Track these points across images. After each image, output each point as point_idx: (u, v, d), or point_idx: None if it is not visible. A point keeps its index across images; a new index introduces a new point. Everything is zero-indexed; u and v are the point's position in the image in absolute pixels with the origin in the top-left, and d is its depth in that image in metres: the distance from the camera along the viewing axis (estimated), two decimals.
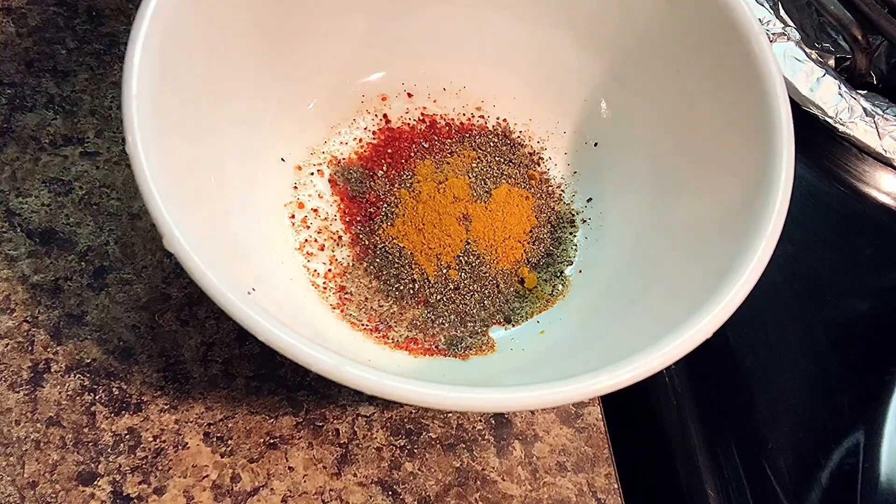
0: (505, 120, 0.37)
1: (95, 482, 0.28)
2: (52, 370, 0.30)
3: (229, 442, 0.30)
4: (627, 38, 0.34)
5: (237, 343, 0.31)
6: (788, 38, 0.42)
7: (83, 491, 0.28)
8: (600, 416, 0.33)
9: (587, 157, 0.36)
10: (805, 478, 0.33)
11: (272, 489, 0.29)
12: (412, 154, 0.35)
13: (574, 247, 0.34)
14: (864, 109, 0.41)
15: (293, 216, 0.33)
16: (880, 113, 0.41)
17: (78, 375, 0.30)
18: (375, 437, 0.31)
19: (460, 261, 0.32)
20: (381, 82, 0.36)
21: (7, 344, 0.30)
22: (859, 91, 0.42)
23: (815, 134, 0.41)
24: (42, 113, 0.35)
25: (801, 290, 0.38)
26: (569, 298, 0.33)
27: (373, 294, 0.32)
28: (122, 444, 0.29)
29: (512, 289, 0.33)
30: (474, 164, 0.35)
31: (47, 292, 0.31)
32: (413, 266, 0.32)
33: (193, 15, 0.27)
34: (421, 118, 0.36)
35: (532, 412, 0.32)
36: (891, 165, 0.41)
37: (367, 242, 0.33)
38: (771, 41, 0.37)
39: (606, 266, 0.33)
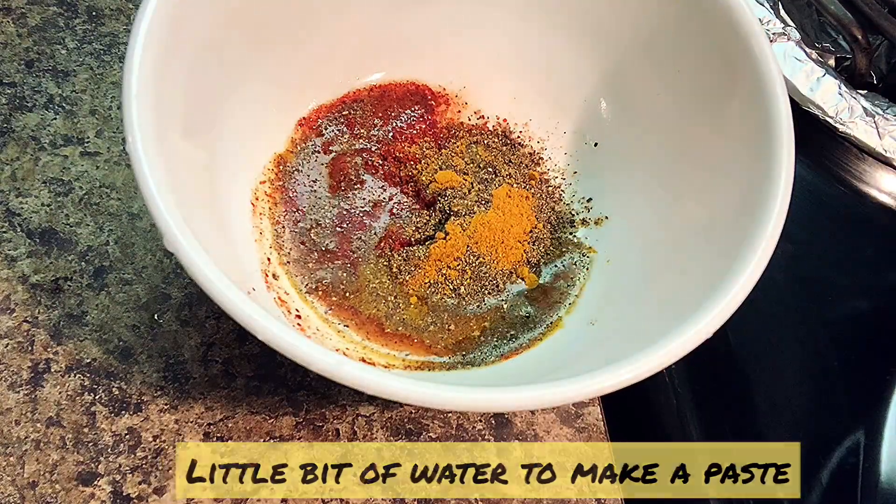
0: (505, 120, 0.37)
1: (95, 482, 0.28)
2: (52, 370, 0.30)
3: (229, 442, 0.29)
4: (627, 37, 0.34)
5: (237, 343, 0.31)
6: (788, 38, 0.42)
7: (83, 491, 0.28)
8: (600, 416, 0.33)
9: (587, 157, 0.36)
10: (805, 478, 0.33)
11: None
12: (412, 154, 0.35)
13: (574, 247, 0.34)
14: (864, 109, 0.41)
15: None
16: (880, 113, 0.41)
17: (78, 375, 0.30)
18: (375, 437, 0.31)
19: (460, 261, 0.32)
20: (381, 82, 0.36)
21: (7, 344, 0.30)
22: (859, 91, 0.42)
23: (815, 134, 0.41)
24: (42, 113, 0.35)
25: (801, 290, 0.38)
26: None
27: (374, 294, 0.32)
28: (122, 444, 0.29)
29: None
30: (474, 165, 0.35)
31: (47, 292, 0.31)
32: (415, 267, 0.32)
33: (194, 15, 0.27)
34: (421, 118, 0.36)
35: (532, 412, 0.32)
36: (891, 165, 0.41)
37: (367, 243, 0.33)
38: (771, 41, 0.37)
39: (606, 266, 0.33)
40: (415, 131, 0.36)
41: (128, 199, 0.33)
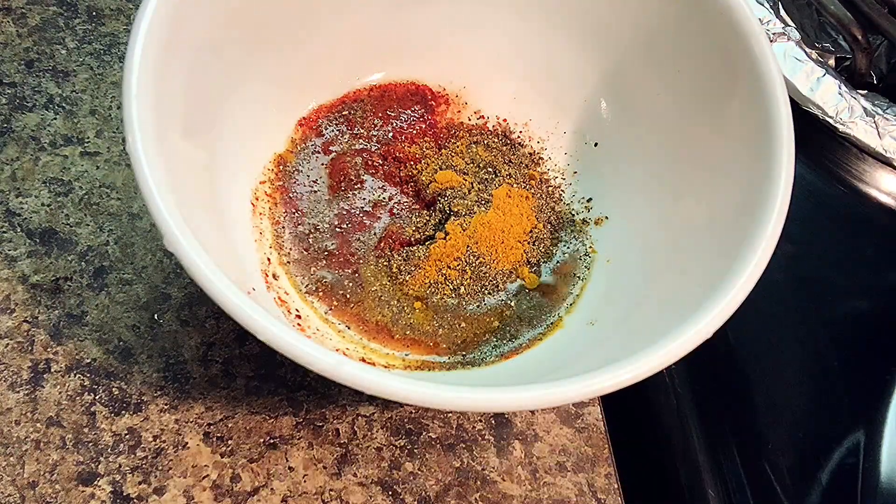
0: (505, 120, 0.37)
1: (95, 482, 0.28)
2: (52, 370, 0.30)
3: (229, 442, 0.30)
4: (627, 37, 0.34)
5: (237, 343, 0.31)
6: (788, 38, 0.42)
7: (83, 491, 0.28)
8: (600, 416, 0.33)
9: (587, 157, 0.36)
10: (805, 478, 0.33)
11: (272, 489, 0.29)
12: (412, 154, 0.35)
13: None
14: (864, 109, 0.41)
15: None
16: (880, 113, 0.41)
17: (78, 375, 0.30)
18: (375, 437, 0.31)
19: (460, 261, 0.32)
20: (381, 82, 0.36)
21: (7, 344, 0.30)
22: (859, 91, 0.42)
23: (815, 134, 0.41)
24: (42, 113, 0.35)
25: (801, 290, 0.38)
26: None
27: (377, 299, 0.32)
28: (122, 444, 0.29)
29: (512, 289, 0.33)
30: (474, 165, 0.35)
31: (47, 292, 0.31)
32: (415, 267, 0.32)
33: (194, 15, 0.27)
34: (421, 118, 0.36)
35: (532, 412, 0.32)
36: (891, 165, 0.41)
37: (367, 243, 0.33)
38: (771, 41, 0.37)
39: (606, 266, 0.33)
40: (415, 131, 0.36)
41: (128, 199, 0.33)
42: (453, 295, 0.32)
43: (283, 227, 0.32)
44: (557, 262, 0.34)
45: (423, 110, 0.36)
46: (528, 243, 0.33)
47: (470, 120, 0.37)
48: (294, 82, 0.34)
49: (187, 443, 0.29)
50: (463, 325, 0.32)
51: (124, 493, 0.28)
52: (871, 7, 0.41)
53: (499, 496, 0.30)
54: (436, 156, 0.35)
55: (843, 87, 0.41)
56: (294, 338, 0.22)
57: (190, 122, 0.27)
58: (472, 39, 0.36)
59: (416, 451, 0.31)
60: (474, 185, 0.34)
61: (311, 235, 0.32)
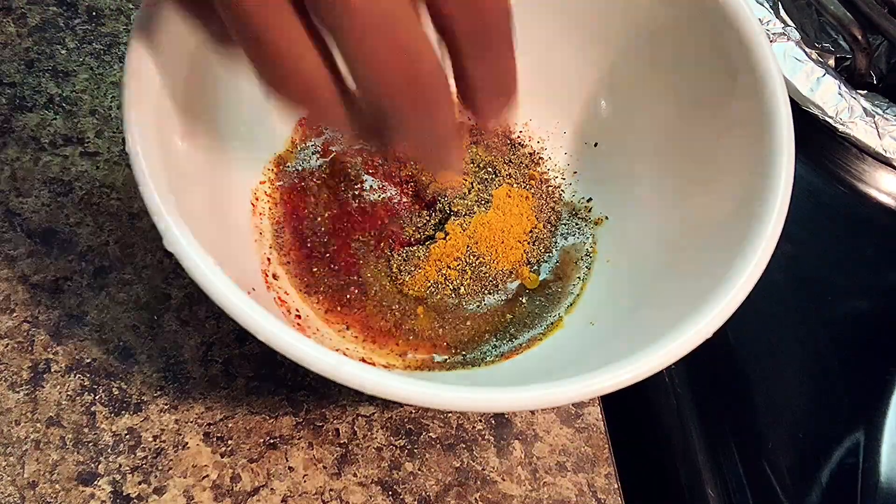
0: None
1: (95, 482, 0.28)
2: (52, 370, 0.30)
3: (229, 442, 0.30)
4: (627, 38, 0.34)
5: (237, 343, 0.31)
6: (788, 38, 0.42)
7: (83, 491, 0.28)
8: (600, 416, 0.33)
9: (587, 157, 0.36)
10: (805, 478, 0.33)
11: (272, 489, 0.29)
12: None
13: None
14: (864, 109, 0.41)
15: None
16: (880, 113, 0.41)
17: (78, 375, 0.30)
18: (375, 437, 0.31)
19: (460, 261, 0.32)
20: None
21: (7, 344, 0.30)
22: (859, 91, 0.42)
23: (815, 134, 0.41)
24: (42, 113, 0.35)
25: (801, 290, 0.38)
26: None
27: (379, 303, 0.32)
28: (122, 444, 0.29)
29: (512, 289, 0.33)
30: (474, 165, 0.35)
31: (47, 292, 0.31)
32: (415, 267, 0.32)
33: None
34: None
35: (532, 412, 0.32)
36: (891, 165, 0.41)
37: (366, 244, 0.33)
38: (771, 41, 0.37)
39: (606, 266, 0.33)
40: None
41: (128, 199, 0.33)
42: (453, 295, 0.32)
43: (283, 228, 0.32)
44: (557, 261, 0.34)
45: None
46: (528, 243, 0.33)
47: (470, 120, 0.37)
48: None
49: (187, 443, 0.29)
50: (463, 325, 0.32)
51: (124, 493, 0.28)
52: (871, 7, 0.41)
53: (499, 496, 0.30)
54: None
55: (843, 87, 0.41)
56: (294, 338, 0.22)
57: (190, 121, 0.27)
58: None
59: (416, 451, 0.31)
60: (474, 185, 0.34)
61: (311, 235, 0.32)
